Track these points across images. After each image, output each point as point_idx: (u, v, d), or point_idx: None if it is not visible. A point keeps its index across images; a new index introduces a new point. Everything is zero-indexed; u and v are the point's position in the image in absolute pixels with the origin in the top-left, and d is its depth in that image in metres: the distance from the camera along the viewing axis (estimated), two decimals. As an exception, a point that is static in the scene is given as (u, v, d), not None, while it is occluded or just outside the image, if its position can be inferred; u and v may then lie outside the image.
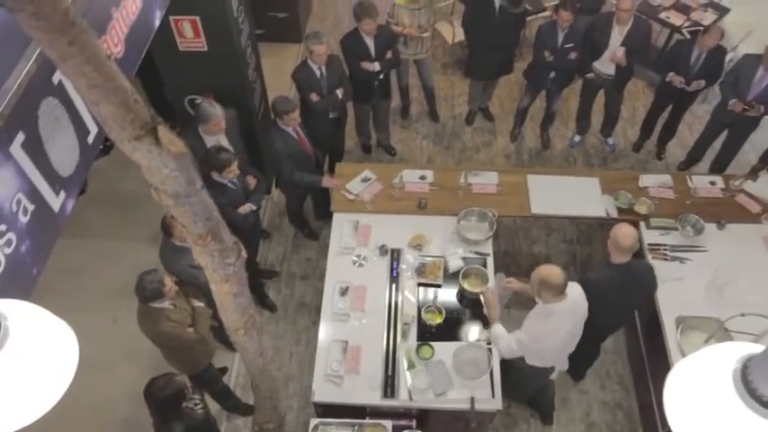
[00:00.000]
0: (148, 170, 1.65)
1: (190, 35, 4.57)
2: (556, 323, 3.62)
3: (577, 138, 6.72)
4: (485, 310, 4.24)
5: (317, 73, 5.06)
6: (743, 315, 4.01)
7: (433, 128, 6.86)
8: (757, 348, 1.25)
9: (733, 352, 1.29)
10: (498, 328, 3.93)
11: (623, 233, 3.90)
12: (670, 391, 1.35)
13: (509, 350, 3.84)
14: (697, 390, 1.30)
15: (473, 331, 4.29)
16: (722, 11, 7.24)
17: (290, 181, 4.94)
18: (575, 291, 3.67)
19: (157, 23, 3.20)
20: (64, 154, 2.20)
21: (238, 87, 5.00)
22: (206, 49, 4.66)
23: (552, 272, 3.51)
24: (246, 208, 4.51)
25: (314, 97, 5.08)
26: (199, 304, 3.95)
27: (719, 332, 4.22)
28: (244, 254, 2.17)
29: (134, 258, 4.74)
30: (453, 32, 7.05)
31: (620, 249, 3.92)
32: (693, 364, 1.35)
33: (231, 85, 4.95)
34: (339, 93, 5.19)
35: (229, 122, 4.59)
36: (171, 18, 4.39)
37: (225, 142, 4.61)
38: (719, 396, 1.26)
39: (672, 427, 1.33)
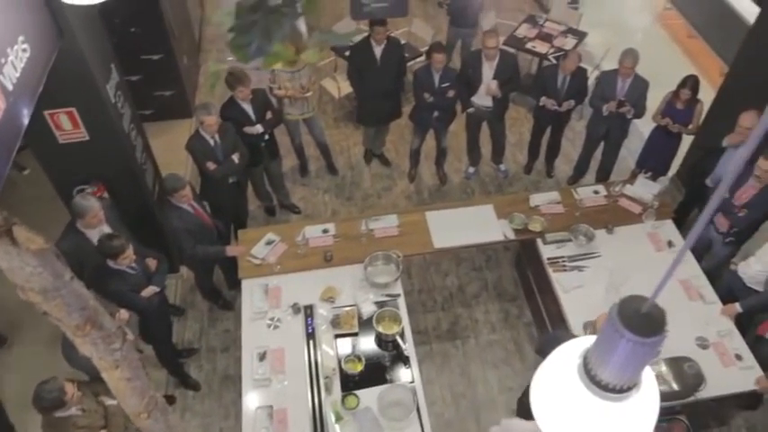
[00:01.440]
0: (10, 271, 1.65)
1: (68, 127, 4.53)
2: None
3: (471, 169, 7.03)
4: None
5: (211, 142, 5.12)
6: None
7: (333, 181, 7.01)
8: (592, 341, 1.39)
9: (577, 348, 1.43)
10: None
11: None
12: (534, 392, 1.47)
13: None
14: (553, 386, 1.42)
15: (395, 373, 4.35)
16: (581, 35, 7.86)
17: (193, 256, 4.92)
18: None
19: (26, 121, 3.19)
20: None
21: (128, 171, 4.97)
22: (88, 138, 4.62)
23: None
24: (149, 291, 4.45)
25: (210, 166, 5.14)
26: (111, 402, 3.81)
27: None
28: (129, 336, 2.17)
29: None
30: (338, 87, 7.29)
31: None
32: (549, 364, 1.47)
33: (120, 171, 4.91)
34: (235, 158, 5.26)
35: (108, 211, 4.54)
36: (45, 113, 4.35)
37: (107, 231, 4.55)
38: (571, 388, 1.38)
39: (538, 423, 1.44)
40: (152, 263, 4.56)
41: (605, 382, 1.33)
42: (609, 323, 1.24)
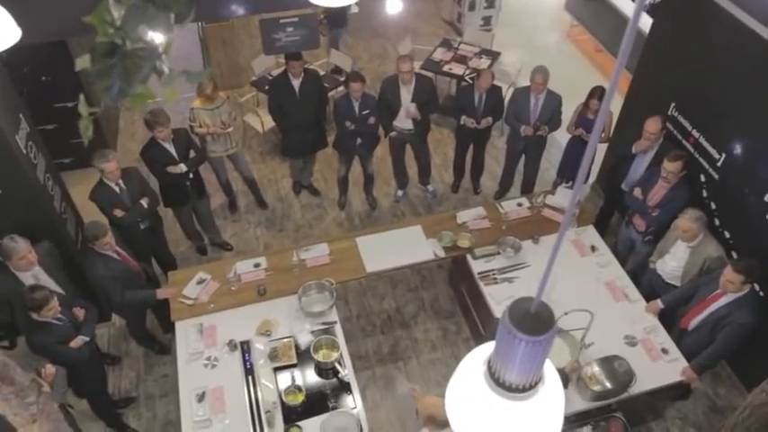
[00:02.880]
0: None
1: (-22, 181, 4.41)
2: None
3: (400, 192, 7.15)
4: None
5: (116, 188, 5.03)
6: (566, 313, 4.41)
7: (264, 215, 6.98)
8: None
9: (480, 356, 1.49)
10: None
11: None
12: (448, 405, 1.51)
13: None
14: (465, 396, 1.48)
15: (337, 400, 4.33)
16: (494, 55, 8.15)
17: (122, 303, 4.79)
18: None
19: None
20: None
21: (47, 222, 4.84)
22: (0, 191, 4.50)
23: (440, 409, 3.53)
24: (78, 341, 4.31)
25: (118, 213, 5.04)
26: None
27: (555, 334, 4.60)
28: (45, 388, 2.11)
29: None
30: (262, 121, 7.31)
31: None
32: (458, 376, 1.52)
33: (38, 222, 4.78)
34: (144, 202, 5.18)
35: (44, 255, 4.44)
36: (-48, 169, 4.21)
37: (43, 276, 4.44)
38: (481, 396, 1.44)
39: (451, 426, 1.49)
40: (80, 312, 4.44)
41: (511, 384, 1.39)
42: (502, 328, 1.30)
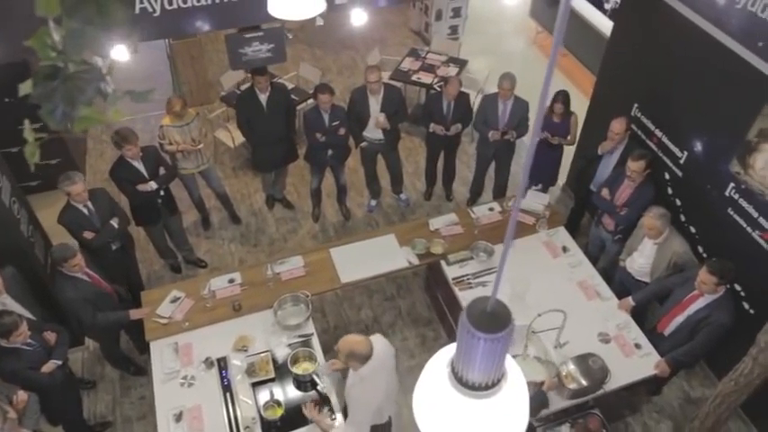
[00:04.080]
0: None
1: (-59, 207, 4.34)
2: (372, 382, 3.77)
3: (373, 202, 7.17)
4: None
5: (84, 210, 4.98)
6: (539, 315, 4.47)
7: (238, 230, 6.96)
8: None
9: (443, 358, 1.52)
10: (337, 430, 4.03)
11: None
12: (416, 409, 1.53)
13: None
14: (432, 399, 1.50)
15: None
16: (462, 63, 8.26)
17: (94, 326, 4.73)
18: (378, 344, 3.84)
19: None
20: None
21: (13, 246, 4.78)
22: (-37, 217, 4.44)
23: (357, 343, 3.67)
24: (50, 366, 4.25)
25: (88, 235, 4.98)
26: None
27: (529, 335, 4.66)
28: (11, 415, 2.09)
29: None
30: (232, 137, 7.30)
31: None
32: (423, 380, 1.54)
33: (5, 246, 4.71)
34: (114, 223, 5.14)
35: (9, 280, 4.37)
36: None
37: (9, 301, 4.37)
38: (447, 397, 1.46)
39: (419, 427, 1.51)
40: (51, 336, 4.38)
41: (474, 382, 1.42)
42: (462, 328, 1.33)
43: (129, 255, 5.64)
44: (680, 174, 5.34)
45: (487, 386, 1.42)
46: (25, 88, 1.00)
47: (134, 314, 4.89)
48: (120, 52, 4.62)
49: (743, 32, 4.25)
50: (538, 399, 4.17)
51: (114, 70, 1.00)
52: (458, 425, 1.45)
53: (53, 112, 0.98)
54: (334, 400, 4.38)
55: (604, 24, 8.04)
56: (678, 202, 5.41)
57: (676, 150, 5.33)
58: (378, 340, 3.90)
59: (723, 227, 4.92)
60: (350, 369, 3.83)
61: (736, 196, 4.77)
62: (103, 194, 5.16)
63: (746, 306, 4.88)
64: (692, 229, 5.30)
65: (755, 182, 4.57)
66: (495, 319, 1.33)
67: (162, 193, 5.63)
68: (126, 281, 5.50)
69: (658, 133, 5.53)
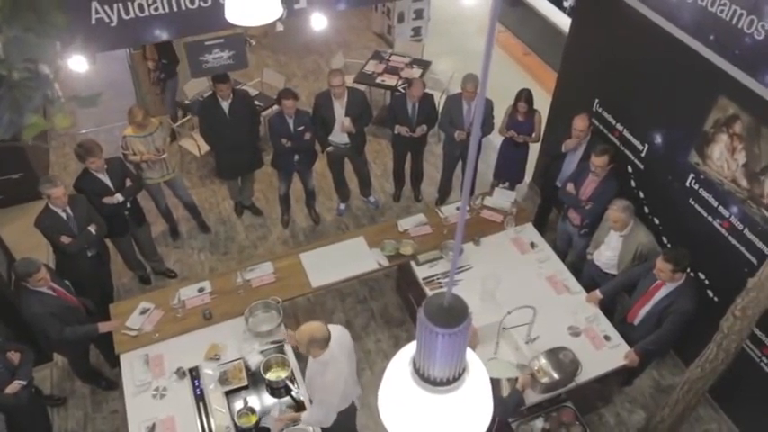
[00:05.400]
0: None
1: None
2: (335, 367, 3.81)
3: (342, 206, 7.17)
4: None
5: (63, 215, 4.92)
6: (509, 312, 4.51)
7: (207, 239, 6.90)
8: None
9: (405, 356, 1.53)
10: (303, 417, 4.09)
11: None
12: (381, 409, 1.54)
13: (322, 418, 3.96)
14: (396, 398, 1.51)
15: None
16: (425, 64, 8.31)
17: (62, 341, 4.64)
18: (335, 331, 3.88)
19: None
20: None
21: (-25, 264, 4.68)
22: None
23: (315, 329, 3.70)
24: (15, 386, 4.17)
25: (65, 240, 4.92)
26: None
27: (501, 332, 4.70)
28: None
29: None
30: (198, 145, 7.24)
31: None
32: (387, 380, 1.55)
33: (-34, 265, 4.63)
34: (92, 229, 5.08)
35: None
36: None
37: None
38: (411, 395, 1.47)
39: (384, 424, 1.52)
40: (14, 356, 4.29)
41: (436, 378, 1.43)
42: (420, 324, 1.35)
43: (104, 263, 5.57)
44: (642, 167, 5.44)
45: (449, 381, 1.43)
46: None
47: (103, 327, 4.82)
48: (78, 63, 4.55)
49: (695, 26, 4.35)
50: (514, 399, 4.20)
51: (61, 77, 0.99)
52: (423, 421, 1.46)
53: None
54: (308, 405, 4.36)
55: (564, 22, 8.15)
56: (641, 195, 5.51)
57: (637, 144, 5.43)
58: (335, 329, 3.94)
59: (685, 217, 5.03)
60: (309, 359, 3.85)
61: (696, 186, 4.88)
62: (83, 201, 5.09)
63: (710, 294, 4.99)
64: (656, 221, 5.41)
65: (714, 172, 4.69)
66: (451, 314, 1.34)
67: (129, 204, 5.56)
68: (99, 290, 5.43)
69: (619, 128, 5.63)
